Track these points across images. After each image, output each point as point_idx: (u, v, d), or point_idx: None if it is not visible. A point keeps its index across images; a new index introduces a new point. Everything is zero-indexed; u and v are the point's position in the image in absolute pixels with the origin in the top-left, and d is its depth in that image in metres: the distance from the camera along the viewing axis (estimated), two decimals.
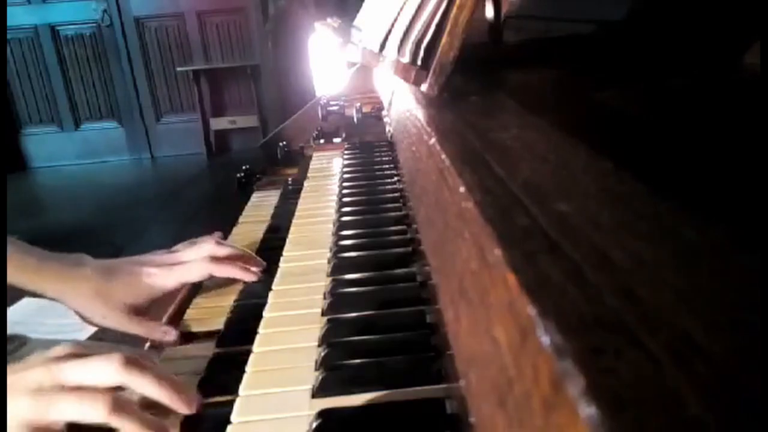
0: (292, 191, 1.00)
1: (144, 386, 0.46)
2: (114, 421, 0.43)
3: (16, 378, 0.45)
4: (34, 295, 0.67)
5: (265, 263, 0.68)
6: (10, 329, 0.89)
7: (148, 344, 0.67)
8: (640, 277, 0.19)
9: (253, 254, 0.72)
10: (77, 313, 0.65)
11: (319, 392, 0.44)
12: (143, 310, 0.66)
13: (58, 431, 0.44)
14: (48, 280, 0.64)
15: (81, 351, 0.48)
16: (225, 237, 0.83)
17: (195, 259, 0.67)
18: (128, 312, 0.65)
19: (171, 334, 0.63)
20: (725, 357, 0.15)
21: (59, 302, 0.65)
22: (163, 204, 3.71)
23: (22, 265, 0.65)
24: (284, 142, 1.20)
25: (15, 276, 0.64)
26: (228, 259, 0.68)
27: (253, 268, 0.68)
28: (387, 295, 0.56)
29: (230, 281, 0.70)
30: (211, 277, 0.67)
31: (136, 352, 0.52)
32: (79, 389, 0.44)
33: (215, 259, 0.67)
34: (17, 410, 0.43)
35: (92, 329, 0.77)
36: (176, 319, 0.68)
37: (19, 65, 4.58)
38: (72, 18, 4.54)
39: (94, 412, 0.43)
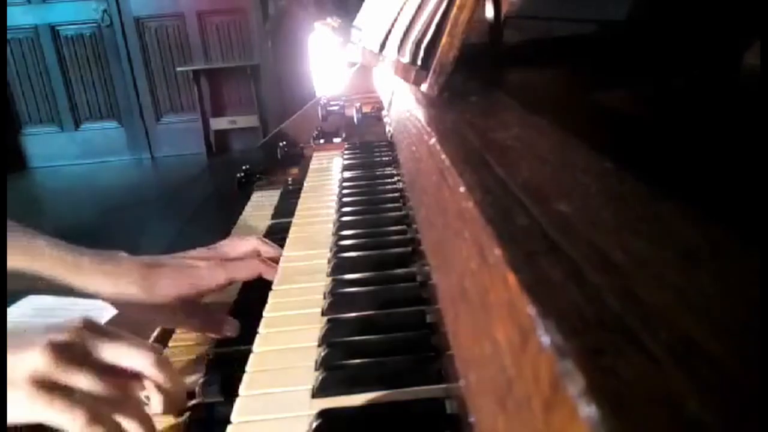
0: (292, 191, 1.00)
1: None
2: (119, 416, 0.44)
3: (43, 331, 0.45)
4: (64, 291, 0.63)
5: None
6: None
7: (154, 334, 0.66)
8: (640, 277, 0.19)
9: None
10: (114, 305, 0.62)
11: (319, 392, 0.44)
12: (194, 305, 0.63)
13: (63, 388, 0.43)
14: (88, 275, 0.60)
15: (113, 330, 0.49)
16: (225, 237, 0.83)
17: (245, 257, 0.66)
18: (177, 307, 0.62)
19: (231, 326, 0.62)
20: (725, 357, 0.15)
21: (97, 299, 0.61)
22: (163, 204, 3.71)
23: (60, 260, 0.60)
24: (284, 142, 1.20)
25: (53, 270, 0.59)
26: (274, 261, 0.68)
27: None
28: (387, 295, 0.56)
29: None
30: (260, 277, 0.66)
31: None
32: (107, 370, 0.45)
33: (265, 260, 0.66)
34: (28, 363, 0.43)
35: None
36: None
37: (19, 65, 4.58)
38: (72, 18, 4.54)
39: (106, 395, 0.44)
